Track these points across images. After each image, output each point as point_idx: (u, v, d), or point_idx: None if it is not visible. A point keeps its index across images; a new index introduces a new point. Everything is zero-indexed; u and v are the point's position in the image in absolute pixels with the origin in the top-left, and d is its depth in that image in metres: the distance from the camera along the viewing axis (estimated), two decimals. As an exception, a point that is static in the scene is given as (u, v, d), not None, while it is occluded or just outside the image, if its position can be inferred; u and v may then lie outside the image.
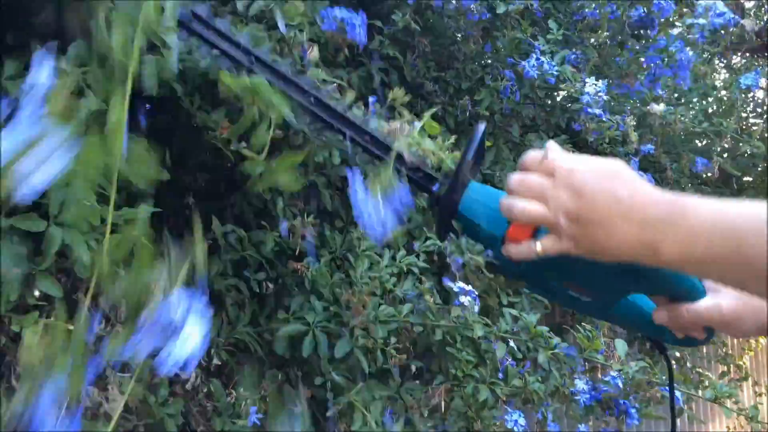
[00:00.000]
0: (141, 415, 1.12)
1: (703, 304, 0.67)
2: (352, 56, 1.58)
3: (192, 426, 1.20)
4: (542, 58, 1.79)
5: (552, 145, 0.63)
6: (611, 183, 0.57)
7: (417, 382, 1.54)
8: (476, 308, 1.61)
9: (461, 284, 1.63)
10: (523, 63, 1.83)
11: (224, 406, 1.21)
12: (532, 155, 0.64)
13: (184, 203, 1.38)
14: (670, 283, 0.66)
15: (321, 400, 1.40)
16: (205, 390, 1.24)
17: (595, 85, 1.67)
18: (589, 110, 1.65)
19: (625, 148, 2.24)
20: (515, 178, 0.63)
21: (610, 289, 0.70)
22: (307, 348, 1.31)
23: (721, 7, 2.00)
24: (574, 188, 0.58)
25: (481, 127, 0.74)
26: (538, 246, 0.61)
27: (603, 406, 1.93)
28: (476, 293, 1.61)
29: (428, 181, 0.80)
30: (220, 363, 1.29)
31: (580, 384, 1.88)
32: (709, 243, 0.53)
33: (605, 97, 1.72)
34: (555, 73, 1.78)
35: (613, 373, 1.90)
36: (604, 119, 1.70)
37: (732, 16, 1.99)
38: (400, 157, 0.81)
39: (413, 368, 1.57)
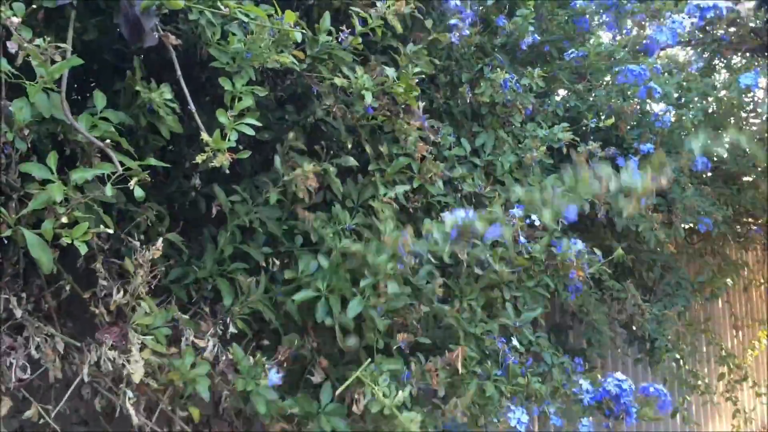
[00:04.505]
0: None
1: None
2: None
3: (218, 392, 1.19)
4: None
5: None
6: None
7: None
8: None
9: None
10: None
11: (245, 368, 1.18)
12: None
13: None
14: None
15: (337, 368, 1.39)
16: (224, 358, 1.22)
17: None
18: None
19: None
20: None
21: None
22: (320, 314, 1.27)
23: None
24: None
25: None
26: None
27: (603, 407, 1.92)
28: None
29: None
30: (236, 332, 1.27)
31: (585, 384, 1.87)
32: None
33: None
34: None
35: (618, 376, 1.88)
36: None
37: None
38: None
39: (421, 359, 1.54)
